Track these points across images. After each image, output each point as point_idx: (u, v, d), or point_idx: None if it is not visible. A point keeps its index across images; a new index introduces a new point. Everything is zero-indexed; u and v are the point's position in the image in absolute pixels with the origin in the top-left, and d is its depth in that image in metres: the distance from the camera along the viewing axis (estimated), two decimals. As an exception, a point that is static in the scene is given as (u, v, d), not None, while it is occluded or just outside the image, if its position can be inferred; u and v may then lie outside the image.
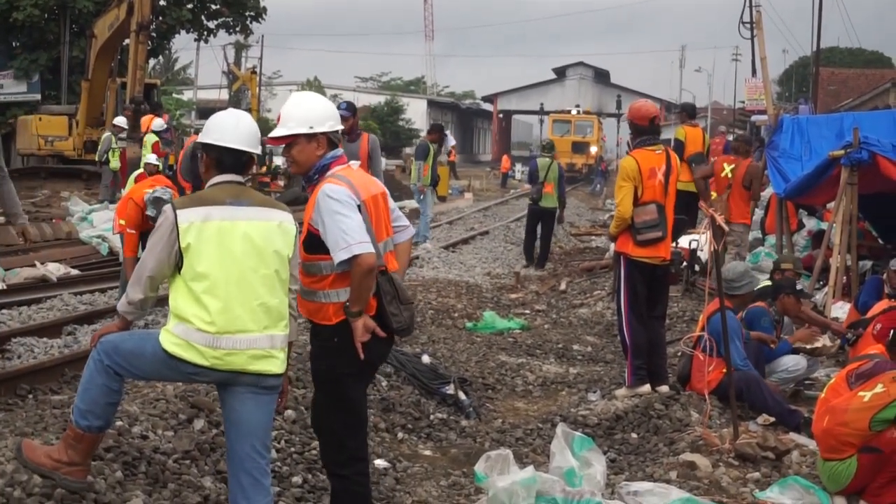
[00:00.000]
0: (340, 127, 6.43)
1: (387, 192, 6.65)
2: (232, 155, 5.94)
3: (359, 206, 6.17)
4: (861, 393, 7.49)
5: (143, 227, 13.75)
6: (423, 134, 25.37)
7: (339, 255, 6.00)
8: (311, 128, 6.28)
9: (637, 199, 10.48)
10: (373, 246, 6.14)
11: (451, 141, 28.85)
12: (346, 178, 6.25)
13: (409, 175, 24.18)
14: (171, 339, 5.71)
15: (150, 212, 13.53)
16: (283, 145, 6.38)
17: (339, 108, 13.26)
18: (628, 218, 10.52)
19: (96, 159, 29.54)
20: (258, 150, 6.07)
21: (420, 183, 24.19)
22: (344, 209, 6.07)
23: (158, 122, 27.19)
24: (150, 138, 26.55)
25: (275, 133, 6.37)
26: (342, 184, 6.18)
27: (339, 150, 6.42)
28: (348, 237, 6.00)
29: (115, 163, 27.70)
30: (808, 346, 11.05)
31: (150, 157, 24.18)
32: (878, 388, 7.39)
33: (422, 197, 24.45)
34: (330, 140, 6.34)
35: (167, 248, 5.70)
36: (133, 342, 5.91)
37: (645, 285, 10.63)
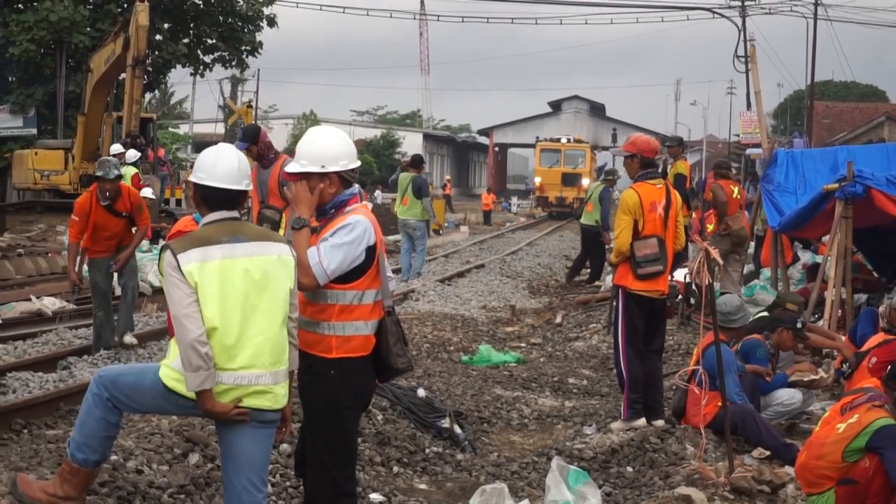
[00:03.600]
0: (355, 165, 6.45)
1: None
2: (214, 192, 5.96)
3: (373, 247, 6.31)
4: (838, 425, 7.51)
5: (94, 218, 13.89)
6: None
7: (318, 274, 6.12)
8: (323, 167, 6.34)
9: (638, 232, 10.49)
10: (383, 285, 6.39)
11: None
12: (368, 216, 6.36)
13: (408, 211, 24.01)
14: (170, 374, 5.73)
15: (98, 171, 13.85)
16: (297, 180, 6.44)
17: (238, 136, 13.14)
18: (626, 251, 10.53)
19: None
20: (240, 186, 6.02)
21: (435, 220, 24.11)
22: (353, 245, 6.21)
23: (132, 154, 26.92)
24: (129, 171, 26.43)
25: (288, 168, 6.45)
26: (369, 218, 6.34)
27: (356, 188, 6.50)
28: (333, 268, 6.16)
29: None
30: (805, 379, 11.06)
31: (146, 192, 24.15)
32: (853, 420, 7.41)
33: (431, 233, 24.43)
34: (343, 178, 6.39)
35: (187, 288, 5.67)
36: (132, 376, 5.92)
37: (643, 319, 10.62)
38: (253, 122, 48.90)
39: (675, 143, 20.17)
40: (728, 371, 9.55)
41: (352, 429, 6.53)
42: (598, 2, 66.70)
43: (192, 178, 6.03)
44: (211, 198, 5.96)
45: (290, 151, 6.76)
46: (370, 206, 6.63)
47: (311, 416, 6.48)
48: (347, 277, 6.23)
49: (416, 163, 24.65)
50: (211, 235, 5.83)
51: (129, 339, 13.97)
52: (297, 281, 6.03)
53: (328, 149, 6.40)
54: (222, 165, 5.99)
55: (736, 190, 17.78)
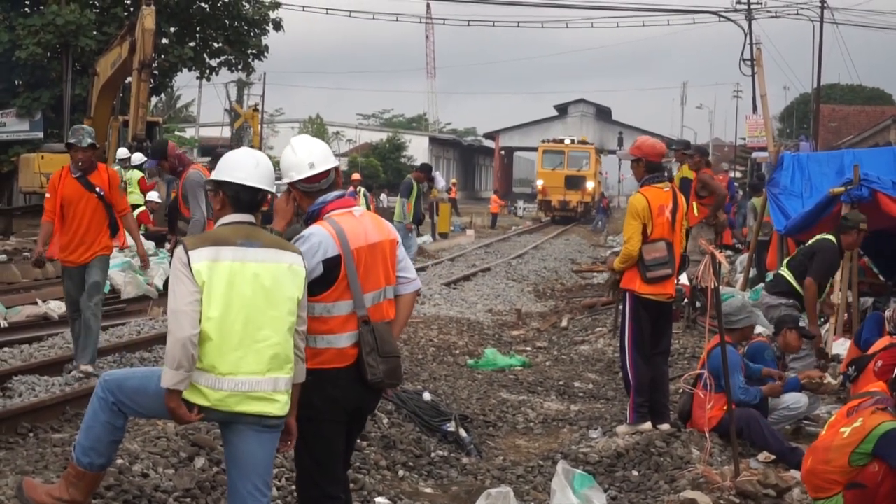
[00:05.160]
0: (302, 175, 6.40)
1: (397, 240, 6.63)
2: (249, 193, 5.96)
3: (334, 259, 6.20)
4: (842, 429, 7.51)
5: (63, 192, 12.53)
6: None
7: None
8: (279, 180, 6.45)
9: (646, 236, 10.50)
10: (356, 295, 6.23)
11: (441, 182, 28.97)
12: (336, 224, 6.28)
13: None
14: (174, 377, 5.71)
15: (70, 139, 12.58)
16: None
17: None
18: (636, 255, 10.52)
19: None
20: (274, 189, 6.10)
21: (406, 220, 24.26)
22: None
23: (138, 157, 26.81)
24: (135, 174, 26.33)
25: None
26: (329, 230, 6.24)
27: (330, 196, 6.44)
28: None
29: (132, 197, 26.66)
30: (815, 381, 11.04)
31: (152, 196, 24.16)
32: (857, 423, 7.41)
33: (410, 234, 24.49)
34: (300, 190, 6.42)
35: (193, 286, 5.66)
36: (137, 380, 5.92)
37: (650, 322, 10.62)
38: (259, 125, 48.97)
39: (682, 147, 20.00)
40: (733, 371, 9.55)
41: (331, 435, 6.41)
42: (604, 5, 66.81)
43: (226, 178, 5.96)
44: (244, 199, 5.95)
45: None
46: (358, 211, 6.51)
47: None
48: (311, 290, 6.15)
49: (421, 169, 25.05)
50: (226, 236, 5.82)
51: (85, 367, 12.46)
52: (306, 292, 6.03)
53: (282, 163, 6.48)
54: (263, 167, 6.05)
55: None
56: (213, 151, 14.45)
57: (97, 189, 12.56)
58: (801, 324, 11.59)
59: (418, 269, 27.11)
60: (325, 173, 6.44)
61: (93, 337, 12.56)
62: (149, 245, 21.91)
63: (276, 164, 6.89)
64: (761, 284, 18.16)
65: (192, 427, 8.54)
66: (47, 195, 12.82)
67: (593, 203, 67.01)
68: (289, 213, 6.43)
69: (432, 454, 10.09)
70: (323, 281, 6.19)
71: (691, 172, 17.73)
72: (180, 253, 5.71)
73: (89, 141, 12.45)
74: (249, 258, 5.78)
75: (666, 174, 11.24)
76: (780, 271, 13.12)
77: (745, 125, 62.05)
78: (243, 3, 46.47)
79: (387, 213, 36.52)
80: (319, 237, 6.20)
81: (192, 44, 45.85)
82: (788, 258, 13.20)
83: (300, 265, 5.95)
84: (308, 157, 6.44)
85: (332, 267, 6.20)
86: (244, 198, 5.96)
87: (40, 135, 41.77)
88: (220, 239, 5.80)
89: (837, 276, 14.42)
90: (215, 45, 46.97)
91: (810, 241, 13.20)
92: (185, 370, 5.60)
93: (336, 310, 6.22)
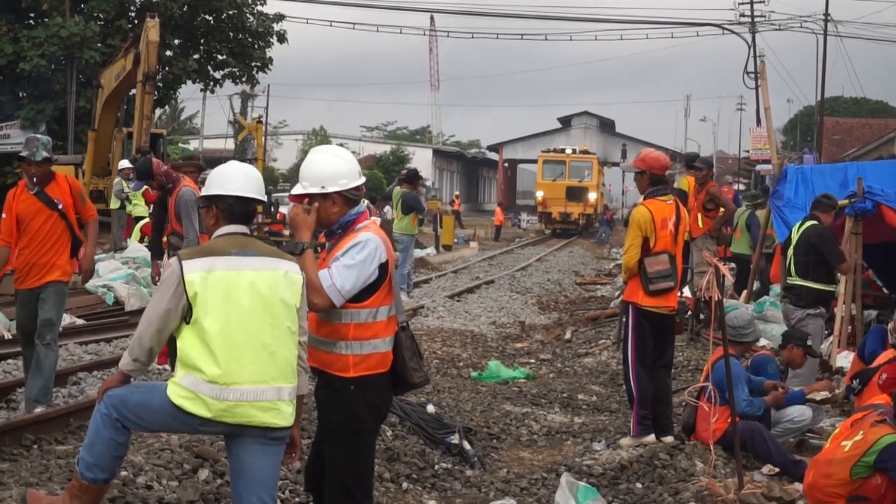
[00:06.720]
0: (356, 183, 6.46)
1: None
2: (242, 204, 5.99)
3: (385, 264, 6.33)
4: (843, 442, 7.51)
5: (19, 209, 11.10)
6: (426, 183, 25.50)
7: (333, 295, 6.13)
8: (323, 187, 6.38)
9: (649, 249, 10.50)
10: (396, 299, 6.44)
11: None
12: (378, 231, 6.42)
13: (397, 225, 24.22)
14: (178, 391, 5.72)
15: (23, 151, 11.08)
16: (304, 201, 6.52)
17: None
18: (633, 266, 10.53)
19: (112, 207, 28.83)
20: (265, 198, 6.13)
21: (414, 231, 24.20)
22: (365, 264, 6.23)
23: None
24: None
25: (293, 191, 6.52)
26: (379, 236, 6.37)
27: (363, 206, 6.55)
28: (348, 289, 6.19)
29: (137, 209, 26.51)
30: (819, 397, 11.03)
31: (156, 208, 24.09)
32: (858, 436, 7.42)
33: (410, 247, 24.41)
34: (346, 197, 6.42)
35: (174, 299, 5.71)
36: (140, 395, 5.92)
37: (653, 335, 10.62)
38: (263, 137, 48.97)
39: (689, 160, 19.78)
40: (737, 383, 9.54)
41: (370, 445, 6.57)
42: (608, 18, 66.74)
43: (219, 191, 6.00)
44: (237, 210, 6.00)
45: (300, 167, 6.78)
46: (379, 221, 6.66)
47: (331, 432, 6.46)
48: (360, 296, 6.24)
49: (410, 178, 24.69)
50: (220, 247, 5.85)
51: (36, 409, 10.88)
52: (305, 301, 6.04)
53: (326, 169, 6.44)
54: (252, 177, 6.10)
55: None
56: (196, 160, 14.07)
57: (57, 203, 11.13)
58: (809, 342, 11.57)
59: (422, 282, 27.21)
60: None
61: (46, 374, 11.11)
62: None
63: (281, 177, 6.91)
64: (765, 297, 18.16)
65: (196, 439, 8.54)
66: (3, 215, 11.40)
67: (595, 215, 65.84)
68: (313, 224, 6.43)
69: (436, 466, 10.08)
70: (372, 286, 6.29)
71: (687, 184, 17.68)
72: (174, 264, 5.75)
73: (44, 154, 11.04)
74: (244, 266, 5.80)
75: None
76: (795, 283, 12.93)
77: (748, 138, 62.19)
78: (247, 15, 46.61)
79: (390, 226, 36.73)
80: (375, 243, 6.30)
81: (196, 56, 45.98)
82: (791, 266, 13.03)
83: (296, 273, 5.97)
84: (356, 165, 6.55)
85: (382, 272, 6.32)
86: (238, 209, 5.99)
87: (44, 147, 41.76)
88: (215, 250, 5.84)
89: (841, 288, 14.41)
90: (219, 57, 47.13)
91: (796, 236, 13.09)
92: (138, 366, 5.93)
93: (380, 315, 6.35)
